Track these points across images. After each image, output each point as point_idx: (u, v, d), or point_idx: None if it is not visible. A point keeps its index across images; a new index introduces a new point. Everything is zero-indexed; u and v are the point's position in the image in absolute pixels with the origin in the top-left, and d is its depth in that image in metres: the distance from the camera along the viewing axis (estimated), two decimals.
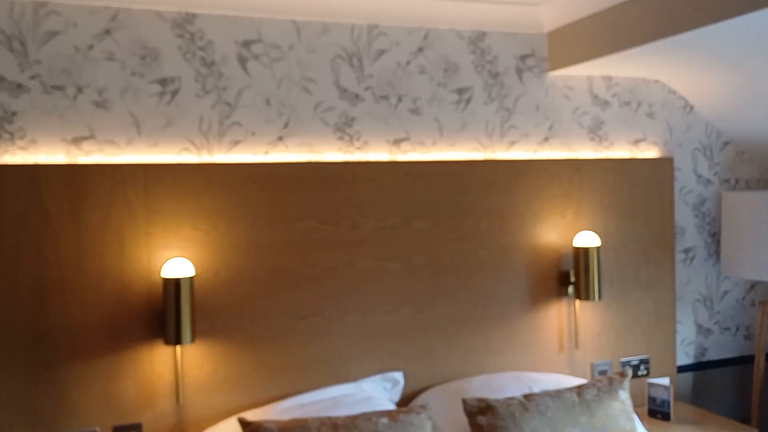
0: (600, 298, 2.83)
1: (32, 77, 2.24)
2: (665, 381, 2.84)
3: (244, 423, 2.07)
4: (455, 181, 2.70)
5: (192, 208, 2.36)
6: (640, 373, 3.00)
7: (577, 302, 2.87)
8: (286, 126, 2.54)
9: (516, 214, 2.80)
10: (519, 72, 2.88)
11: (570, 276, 2.85)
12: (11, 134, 2.22)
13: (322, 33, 2.58)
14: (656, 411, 2.80)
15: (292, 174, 2.49)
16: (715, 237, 3.27)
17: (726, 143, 3.28)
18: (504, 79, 2.86)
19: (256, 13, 2.48)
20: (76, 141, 2.29)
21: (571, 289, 2.85)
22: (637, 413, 2.57)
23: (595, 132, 3.02)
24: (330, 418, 2.10)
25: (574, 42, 2.75)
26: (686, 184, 3.20)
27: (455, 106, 2.79)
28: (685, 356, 3.22)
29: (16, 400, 2.16)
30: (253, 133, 2.50)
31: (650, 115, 3.13)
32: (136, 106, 2.35)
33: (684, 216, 3.20)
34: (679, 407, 2.93)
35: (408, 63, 2.71)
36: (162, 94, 2.39)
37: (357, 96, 2.64)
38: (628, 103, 3.09)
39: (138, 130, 2.36)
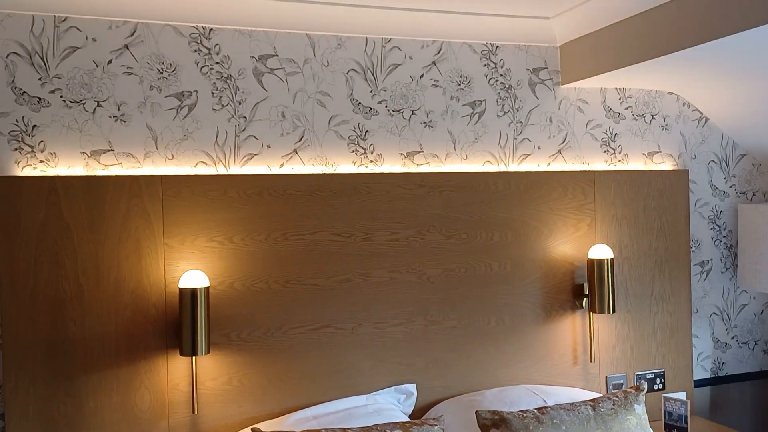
0: (614, 311, 2.81)
1: (52, 91, 2.29)
2: (682, 395, 2.81)
3: None
4: (468, 193, 2.71)
5: (208, 220, 2.39)
6: (656, 387, 2.97)
7: (592, 315, 2.86)
8: (301, 139, 2.57)
9: (529, 227, 2.80)
10: (532, 85, 2.89)
11: (584, 288, 2.84)
12: (32, 147, 2.27)
13: (336, 47, 2.62)
14: (673, 426, 2.77)
15: (307, 186, 2.51)
16: (732, 250, 3.24)
17: (742, 155, 3.26)
18: (517, 92, 2.87)
19: (271, 28, 2.52)
20: (95, 154, 2.34)
21: (585, 301, 2.84)
22: (652, 428, 2.55)
23: (609, 144, 3.02)
24: (343, 430, 2.10)
25: (587, 55, 2.76)
26: (702, 196, 3.18)
27: (468, 119, 2.80)
28: (702, 370, 3.19)
29: (34, 409, 2.19)
30: (269, 146, 2.53)
31: (665, 127, 3.12)
32: (153, 119, 2.40)
33: (700, 229, 3.18)
34: (697, 422, 2.90)
35: (421, 76, 2.73)
36: (179, 107, 2.43)
37: (371, 109, 2.67)
38: (642, 116, 3.08)
39: (155, 143, 2.40)
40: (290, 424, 2.29)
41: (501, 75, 2.85)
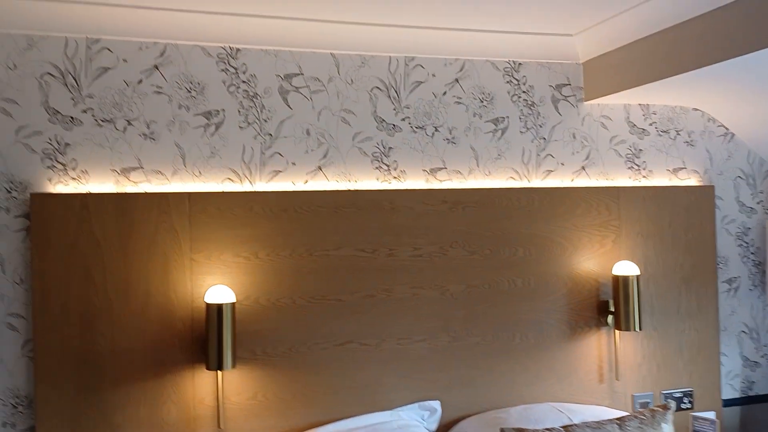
0: (641, 328, 2.79)
1: (84, 111, 2.35)
2: (711, 415, 2.77)
3: None
4: (491, 210, 2.72)
5: (234, 235, 2.42)
6: (683, 406, 2.93)
7: (617, 332, 2.83)
8: (325, 156, 2.61)
9: (553, 243, 2.79)
10: (555, 101, 2.90)
11: (609, 305, 2.82)
12: (64, 165, 2.32)
13: (360, 65, 2.65)
14: None
15: (331, 203, 2.54)
16: (761, 267, 3.19)
17: None
18: (540, 108, 2.88)
19: (296, 47, 2.57)
20: (125, 171, 2.39)
21: (610, 318, 2.82)
22: None
23: (633, 160, 3.01)
24: None
25: (610, 71, 2.77)
26: (728, 212, 3.15)
27: (491, 136, 2.82)
28: (731, 390, 3.13)
29: (64, 422, 2.23)
30: (294, 163, 2.57)
31: (689, 143, 3.10)
32: (181, 137, 2.45)
33: (727, 245, 3.14)
34: None
35: (444, 94, 2.76)
36: (207, 126, 2.48)
37: (394, 126, 2.69)
38: (666, 131, 3.07)
39: (183, 160, 2.45)
40: None
41: (524, 92, 2.86)
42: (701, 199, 3.02)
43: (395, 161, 2.69)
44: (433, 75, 2.74)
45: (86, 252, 2.27)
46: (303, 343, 2.48)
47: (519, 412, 2.54)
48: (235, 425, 2.39)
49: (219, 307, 2.29)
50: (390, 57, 2.69)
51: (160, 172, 2.42)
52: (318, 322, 2.50)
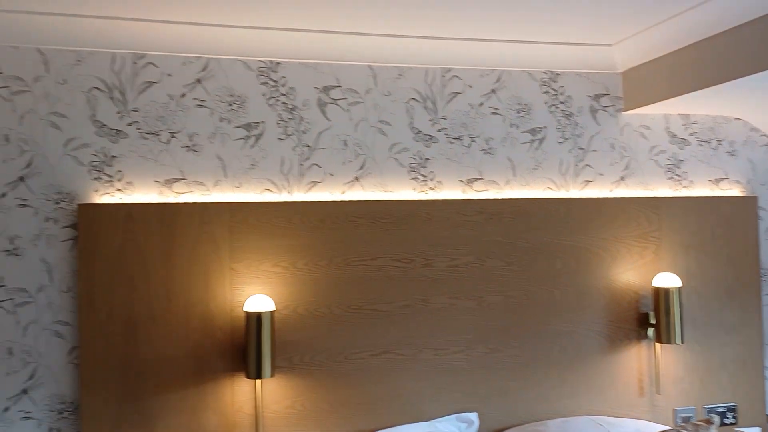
0: (683, 341, 2.73)
1: (130, 124, 2.42)
2: (756, 431, 2.70)
3: None
4: (529, 220, 2.71)
5: (273, 245, 2.46)
6: (726, 421, 2.86)
7: (658, 345, 2.78)
8: (362, 167, 2.63)
9: (592, 254, 2.76)
10: (593, 111, 2.88)
11: (650, 318, 2.78)
12: (110, 176, 2.39)
13: (397, 77, 2.67)
14: None
15: (368, 213, 2.56)
16: None
17: None
18: (578, 118, 2.86)
19: (334, 60, 2.60)
20: (168, 182, 2.45)
21: (651, 331, 2.77)
22: None
23: (674, 171, 2.97)
24: None
25: (650, 81, 2.74)
26: None
27: (528, 146, 2.81)
28: None
29: (106, 427, 2.28)
30: (331, 174, 2.60)
31: (731, 153, 3.05)
32: (223, 149, 2.50)
33: None
34: None
35: (481, 104, 2.76)
36: (247, 137, 2.52)
37: (431, 137, 2.70)
38: (707, 141, 3.02)
39: (224, 171, 2.49)
40: None
41: (561, 102, 2.85)
42: (744, 209, 2.96)
43: (432, 172, 2.70)
44: (470, 86, 2.75)
45: (130, 261, 2.33)
46: (340, 353, 2.50)
47: (558, 425, 2.51)
48: None
49: (258, 316, 2.32)
50: (427, 68, 2.70)
51: (201, 183, 2.48)
52: (355, 332, 2.52)
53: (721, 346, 2.88)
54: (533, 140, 2.82)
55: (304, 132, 2.58)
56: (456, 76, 2.74)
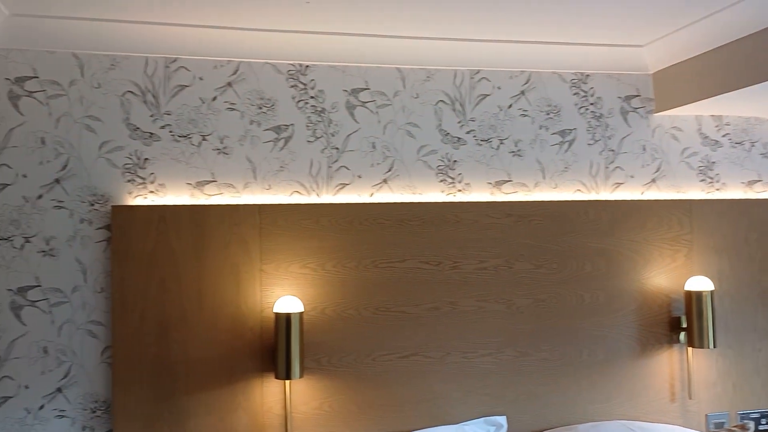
0: (715, 345, 2.69)
1: (162, 127, 2.45)
2: None
3: None
4: (558, 223, 2.69)
5: (302, 247, 2.47)
6: (761, 427, 2.80)
7: (690, 350, 2.74)
8: (390, 169, 2.63)
9: (622, 257, 2.73)
10: (624, 113, 2.85)
11: (681, 322, 2.74)
12: (143, 179, 2.43)
13: (425, 79, 2.68)
14: None
15: (396, 215, 2.56)
16: None
17: None
18: (608, 120, 2.84)
19: (363, 63, 2.61)
20: (200, 185, 2.47)
21: (682, 335, 2.73)
22: None
23: (706, 173, 2.93)
24: None
25: (682, 82, 2.70)
26: None
27: (558, 148, 2.79)
28: None
29: (138, 426, 2.31)
30: (360, 176, 2.61)
31: (765, 155, 2.99)
32: (253, 151, 2.52)
33: None
34: None
35: (510, 106, 2.75)
36: (276, 140, 2.54)
37: (459, 139, 2.70)
38: (740, 143, 2.97)
39: (254, 174, 2.52)
40: None
41: (591, 103, 2.82)
42: None
43: (460, 174, 2.70)
44: (499, 88, 2.74)
45: (163, 262, 2.36)
46: (368, 355, 2.50)
47: (587, 430, 2.49)
48: None
49: (287, 317, 2.34)
50: (455, 70, 2.70)
51: (232, 185, 2.50)
52: (383, 334, 2.52)
53: (754, 351, 2.83)
54: (563, 142, 2.80)
55: (332, 134, 2.59)
56: (485, 77, 2.73)
